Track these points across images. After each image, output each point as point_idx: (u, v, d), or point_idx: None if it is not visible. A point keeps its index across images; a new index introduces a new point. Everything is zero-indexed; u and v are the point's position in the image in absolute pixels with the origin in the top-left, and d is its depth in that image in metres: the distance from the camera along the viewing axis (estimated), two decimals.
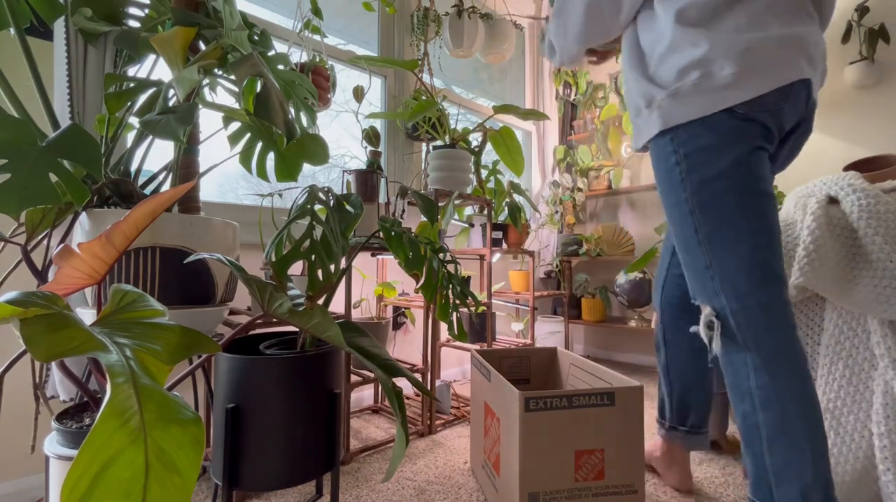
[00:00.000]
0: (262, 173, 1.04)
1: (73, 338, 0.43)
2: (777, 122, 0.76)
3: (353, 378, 1.33)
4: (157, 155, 1.45)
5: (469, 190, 1.82)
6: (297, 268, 1.65)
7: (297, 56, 1.67)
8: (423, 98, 1.91)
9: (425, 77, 2.12)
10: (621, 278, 2.38)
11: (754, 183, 0.76)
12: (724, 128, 0.74)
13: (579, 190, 2.70)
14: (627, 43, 0.89)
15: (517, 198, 2.16)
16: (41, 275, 0.80)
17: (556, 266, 2.62)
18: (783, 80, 0.73)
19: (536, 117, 1.71)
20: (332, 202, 0.92)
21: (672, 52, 0.77)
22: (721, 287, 0.78)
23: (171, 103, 0.91)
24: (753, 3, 0.73)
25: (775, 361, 0.74)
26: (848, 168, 1.26)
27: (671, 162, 0.80)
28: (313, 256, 0.81)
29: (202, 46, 1.00)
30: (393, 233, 1.01)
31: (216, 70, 0.99)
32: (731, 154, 0.75)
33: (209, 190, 1.58)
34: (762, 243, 0.75)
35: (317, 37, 1.65)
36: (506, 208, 1.97)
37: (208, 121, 1.68)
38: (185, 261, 0.79)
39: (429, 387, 1.55)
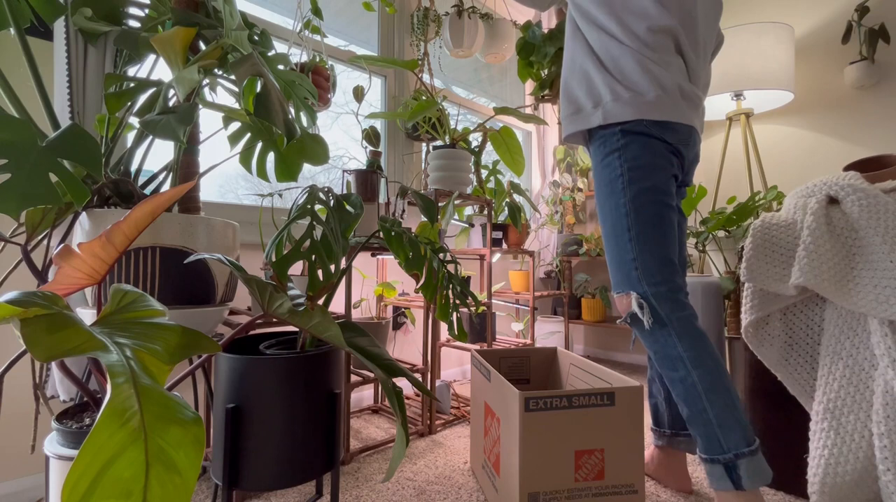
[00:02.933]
0: (262, 173, 1.04)
1: (73, 338, 0.43)
2: (687, 153, 1.03)
3: (353, 378, 1.33)
4: (157, 155, 1.45)
5: (469, 190, 1.82)
6: (297, 268, 1.65)
7: (297, 56, 1.67)
8: (423, 98, 1.91)
9: (425, 77, 2.12)
10: None
11: (670, 198, 0.98)
12: (659, 154, 0.97)
13: (579, 190, 2.70)
14: (585, 57, 1.06)
15: (517, 198, 2.16)
16: (41, 275, 0.80)
17: (556, 266, 2.62)
18: (686, 121, 0.98)
19: (536, 122, 1.71)
20: (332, 202, 0.92)
21: (629, 68, 0.99)
22: (643, 276, 0.97)
23: (171, 103, 0.91)
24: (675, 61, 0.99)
25: (689, 330, 0.94)
26: (848, 168, 1.26)
27: (616, 173, 0.99)
28: (313, 256, 0.81)
29: (202, 46, 1.00)
30: (393, 233, 1.01)
31: (216, 70, 0.99)
32: (660, 174, 0.97)
33: (209, 190, 1.58)
34: (670, 243, 0.98)
35: (317, 37, 1.65)
36: (506, 208, 1.97)
37: (208, 121, 1.68)
38: (185, 261, 0.79)
39: (429, 387, 1.55)
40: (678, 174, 1.02)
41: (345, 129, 1.98)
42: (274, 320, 1.14)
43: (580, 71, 1.05)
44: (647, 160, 0.97)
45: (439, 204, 1.67)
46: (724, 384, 0.91)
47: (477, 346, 1.79)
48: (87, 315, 0.87)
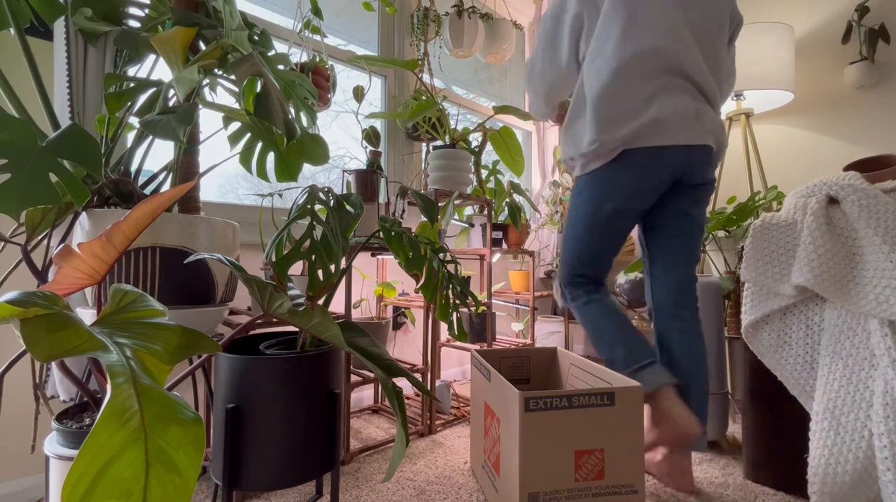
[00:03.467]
0: (262, 173, 1.04)
1: (73, 338, 0.43)
2: (658, 171, 1.15)
3: (353, 378, 1.33)
4: (157, 155, 1.45)
5: (469, 190, 1.82)
6: (297, 268, 1.65)
7: (297, 56, 1.67)
8: (424, 98, 1.91)
9: (425, 77, 2.12)
10: (621, 278, 2.38)
11: (600, 219, 1.21)
12: (599, 189, 1.20)
13: None
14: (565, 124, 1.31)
15: (517, 198, 2.16)
16: (41, 275, 0.80)
17: (556, 266, 2.62)
18: (649, 143, 1.12)
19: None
20: (332, 202, 0.92)
21: (579, 134, 1.23)
22: (564, 270, 1.31)
23: (171, 103, 0.91)
24: (633, 94, 1.13)
25: (584, 304, 1.26)
26: (848, 168, 1.26)
27: (574, 195, 1.28)
28: (313, 256, 0.81)
29: (202, 46, 1.00)
30: (393, 233, 1.01)
31: (216, 70, 0.99)
32: (598, 202, 1.21)
33: (209, 190, 1.58)
34: (586, 249, 1.25)
35: (317, 37, 1.65)
36: (506, 208, 1.97)
37: (208, 121, 1.68)
38: (185, 262, 0.79)
39: (429, 387, 1.55)
40: (636, 203, 1.19)
41: (345, 129, 1.98)
42: (274, 320, 1.14)
43: (563, 134, 1.31)
44: (583, 188, 1.24)
45: (439, 204, 1.67)
46: (606, 331, 1.21)
47: (477, 346, 1.79)
48: (87, 315, 0.87)
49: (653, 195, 1.19)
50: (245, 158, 1.02)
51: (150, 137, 0.97)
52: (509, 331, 2.54)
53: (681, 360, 1.17)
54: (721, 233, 1.83)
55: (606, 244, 1.24)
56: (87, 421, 0.72)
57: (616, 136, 1.12)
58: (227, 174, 1.64)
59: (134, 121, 1.00)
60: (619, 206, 1.19)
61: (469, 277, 1.99)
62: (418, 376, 1.65)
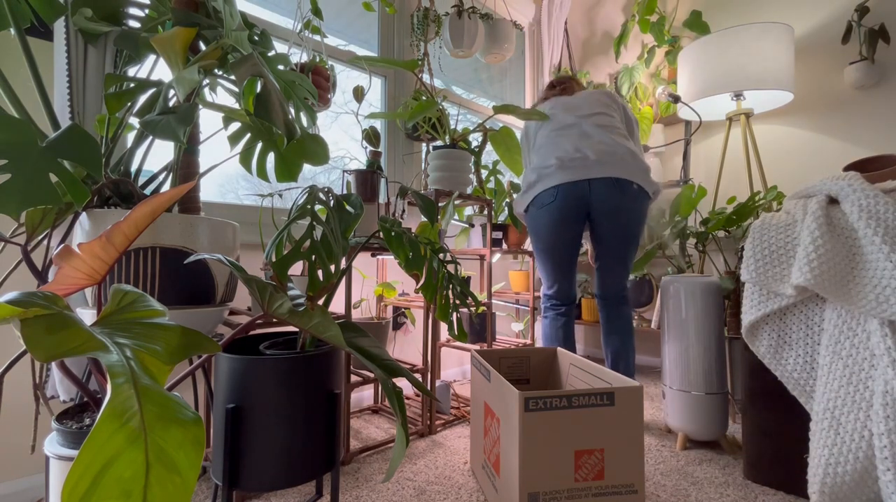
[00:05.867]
0: (262, 173, 1.04)
1: (73, 338, 0.43)
2: (562, 209, 1.53)
3: (353, 378, 1.33)
4: (157, 155, 1.45)
5: (469, 190, 1.82)
6: (297, 268, 1.65)
7: (298, 56, 1.67)
8: (423, 98, 1.91)
9: (425, 77, 2.12)
10: None
11: (543, 244, 1.60)
12: (535, 214, 1.60)
13: None
14: None
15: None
16: (41, 276, 0.80)
17: None
18: (550, 185, 1.54)
19: (537, 117, 1.71)
20: (332, 202, 0.92)
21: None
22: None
23: (171, 103, 0.91)
24: (543, 149, 1.62)
25: (543, 317, 1.68)
26: (848, 168, 1.26)
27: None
28: (313, 257, 0.81)
29: (202, 47, 1.00)
30: (393, 234, 1.01)
31: (216, 70, 0.99)
32: (532, 225, 1.62)
33: (209, 190, 1.58)
34: (548, 270, 1.63)
35: (317, 37, 1.65)
36: (506, 208, 1.97)
37: (208, 121, 1.68)
38: (185, 262, 0.79)
39: (429, 387, 1.55)
40: (559, 223, 1.53)
41: (345, 129, 1.98)
42: (274, 320, 1.14)
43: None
44: (530, 214, 1.63)
45: (439, 204, 1.66)
46: (547, 343, 1.64)
47: (477, 346, 1.79)
48: (87, 315, 0.87)
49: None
50: (245, 158, 1.02)
51: (150, 137, 0.97)
52: (509, 331, 2.54)
53: (610, 338, 1.61)
54: (721, 234, 1.83)
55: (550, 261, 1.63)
56: (87, 421, 0.72)
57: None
58: (227, 174, 1.64)
59: (134, 121, 1.00)
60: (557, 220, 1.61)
61: (469, 277, 1.99)
62: (418, 376, 1.65)
